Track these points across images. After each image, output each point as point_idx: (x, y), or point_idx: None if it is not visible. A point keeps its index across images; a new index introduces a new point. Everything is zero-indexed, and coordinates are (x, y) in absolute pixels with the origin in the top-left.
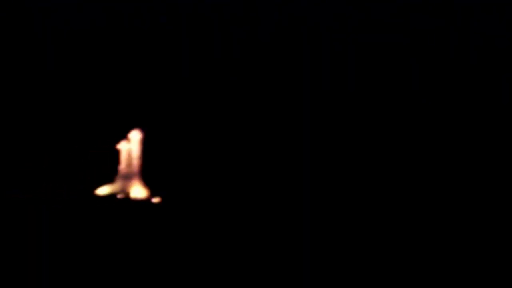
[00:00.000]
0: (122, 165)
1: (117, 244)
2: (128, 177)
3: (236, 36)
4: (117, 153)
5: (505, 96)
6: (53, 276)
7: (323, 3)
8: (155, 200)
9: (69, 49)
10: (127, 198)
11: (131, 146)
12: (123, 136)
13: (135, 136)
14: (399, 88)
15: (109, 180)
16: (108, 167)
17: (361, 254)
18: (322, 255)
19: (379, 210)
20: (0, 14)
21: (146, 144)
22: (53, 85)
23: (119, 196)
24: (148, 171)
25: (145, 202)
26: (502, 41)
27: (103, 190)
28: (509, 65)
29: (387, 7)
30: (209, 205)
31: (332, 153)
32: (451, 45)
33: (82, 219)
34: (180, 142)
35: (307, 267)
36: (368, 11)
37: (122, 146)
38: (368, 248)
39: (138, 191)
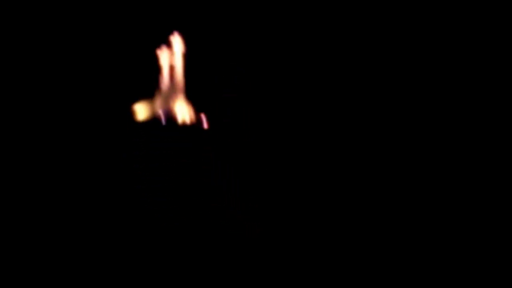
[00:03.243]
0: (163, 81)
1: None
2: (170, 95)
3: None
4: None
5: (505, 96)
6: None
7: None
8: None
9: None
10: (173, 124)
11: (173, 57)
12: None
13: (178, 46)
14: (399, 88)
15: (147, 97)
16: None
17: (361, 254)
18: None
19: (379, 210)
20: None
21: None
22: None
23: (161, 120)
24: (195, 87)
25: (195, 127)
26: (502, 41)
27: (140, 111)
28: (509, 65)
29: (387, 7)
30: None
31: (332, 153)
32: (451, 45)
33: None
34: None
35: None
36: (368, 11)
37: (163, 57)
38: (368, 247)
39: (184, 112)
